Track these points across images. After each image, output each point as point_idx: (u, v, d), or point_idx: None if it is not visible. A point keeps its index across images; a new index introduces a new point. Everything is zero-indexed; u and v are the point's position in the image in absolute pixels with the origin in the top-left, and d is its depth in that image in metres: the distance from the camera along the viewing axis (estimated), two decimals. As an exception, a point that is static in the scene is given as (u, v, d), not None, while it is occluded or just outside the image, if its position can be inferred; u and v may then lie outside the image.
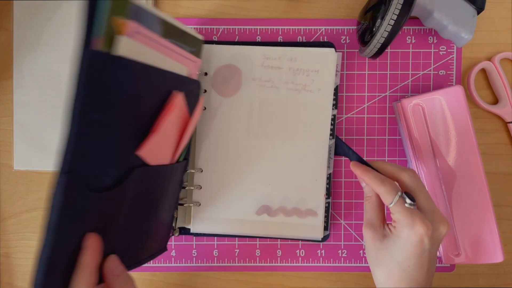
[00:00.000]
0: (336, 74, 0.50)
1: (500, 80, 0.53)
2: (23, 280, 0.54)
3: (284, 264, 0.54)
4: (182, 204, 0.51)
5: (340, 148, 0.48)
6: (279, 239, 0.54)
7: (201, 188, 0.51)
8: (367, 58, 0.54)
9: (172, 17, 0.41)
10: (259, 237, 0.53)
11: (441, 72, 0.54)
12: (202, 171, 0.51)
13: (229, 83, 0.50)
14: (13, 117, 0.53)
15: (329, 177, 0.51)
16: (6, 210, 0.54)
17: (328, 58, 0.50)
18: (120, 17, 0.32)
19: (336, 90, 0.51)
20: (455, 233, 0.50)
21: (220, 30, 0.54)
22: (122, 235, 0.39)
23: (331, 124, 0.51)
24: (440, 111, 0.49)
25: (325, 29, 0.54)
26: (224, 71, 0.50)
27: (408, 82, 0.51)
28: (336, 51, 0.51)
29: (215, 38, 0.53)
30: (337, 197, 0.54)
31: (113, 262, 0.37)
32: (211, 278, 0.55)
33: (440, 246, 0.50)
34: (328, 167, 0.51)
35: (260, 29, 0.54)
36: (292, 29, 0.54)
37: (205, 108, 0.50)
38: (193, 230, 0.51)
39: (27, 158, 0.52)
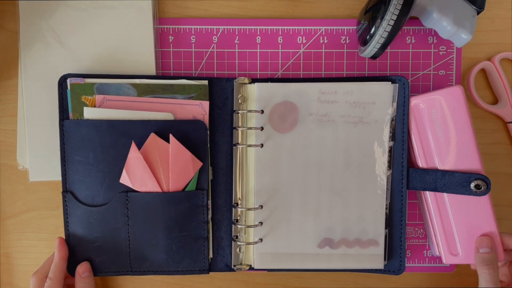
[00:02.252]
0: (392, 105, 0.50)
1: (500, 80, 0.53)
2: (23, 280, 0.54)
3: (284, 264, 0.54)
4: (235, 241, 0.52)
5: (419, 180, 0.50)
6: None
7: (262, 224, 0.51)
8: (367, 58, 0.54)
9: (162, 75, 0.51)
10: (323, 271, 0.53)
11: (441, 72, 0.54)
12: (262, 208, 0.51)
13: (286, 119, 0.51)
14: (17, 117, 0.53)
15: (387, 207, 0.51)
16: (6, 210, 0.54)
17: (384, 90, 0.50)
18: (87, 96, 0.50)
19: (394, 121, 0.51)
20: (455, 233, 0.50)
21: (220, 30, 0.54)
22: (135, 244, 0.51)
23: (389, 156, 0.51)
24: (440, 111, 0.49)
25: (325, 29, 0.54)
26: (281, 108, 0.50)
27: (408, 82, 0.51)
28: (393, 83, 0.50)
29: (215, 38, 0.54)
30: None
31: (81, 266, 0.50)
32: (211, 277, 0.55)
33: (440, 246, 0.50)
34: (386, 198, 0.51)
35: (260, 29, 0.54)
36: (292, 29, 0.54)
37: (262, 145, 0.51)
38: (256, 266, 0.51)
39: (41, 168, 0.52)
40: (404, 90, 0.50)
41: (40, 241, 0.54)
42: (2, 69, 0.54)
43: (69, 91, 0.50)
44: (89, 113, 0.50)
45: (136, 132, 0.50)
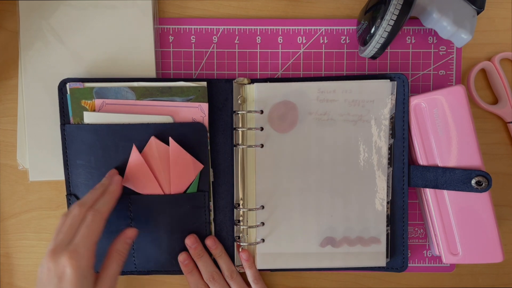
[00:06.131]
0: (391, 103, 0.50)
1: (500, 80, 0.53)
2: (23, 280, 0.54)
3: (284, 264, 0.54)
4: (237, 241, 0.52)
5: (420, 177, 0.50)
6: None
7: (263, 225, 0.51)
8: (367, 58, 0.54)
9: (161, 77, 0.51)
10: (325, 270, 0.53)
11: (441, 72, 0.54)
12: (263, 208, 0.51)
13: (286, 119, 0.51)
14: (17, 117, 0.53)
15: (389, 205, 0.52)
16: (6, 210, 0.54)
17: (383, 87, 0.50)
18: (87, 100, 0.50)
19: (393, 119, 0.51)
20: (455, 232, 0.50)
21: (220, 30, 0.54)
22: (138, 244, 0.51)
23: (389, 153, 0.51)
24: (441, 111, 0.49)
25: (325, 29, 0.54)
26: (280, 107, 0.50)
27: (408, 82, 0.51)
28: (391, 80, 0.51)
29: (215, 38, 0.54)
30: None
31: (133, 231, 0.47)
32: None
33: (440, 245, 0.50)
34: (387, 195, 0.51)
35: (260, 29, 0.54)
36: (292, 29, 0.54)
37: (262, 146, 0.51)
38: (259, 267, 0.52)
39: (41, 168, 0.52)
40: (403, 88, 0.50)
41: (40, 241, 0.54)
42: (2, 69, 0.54)
43: (69, 96, 0.50)
44: (89, 117, 0.50)
45: (136, 136, 0.50)
